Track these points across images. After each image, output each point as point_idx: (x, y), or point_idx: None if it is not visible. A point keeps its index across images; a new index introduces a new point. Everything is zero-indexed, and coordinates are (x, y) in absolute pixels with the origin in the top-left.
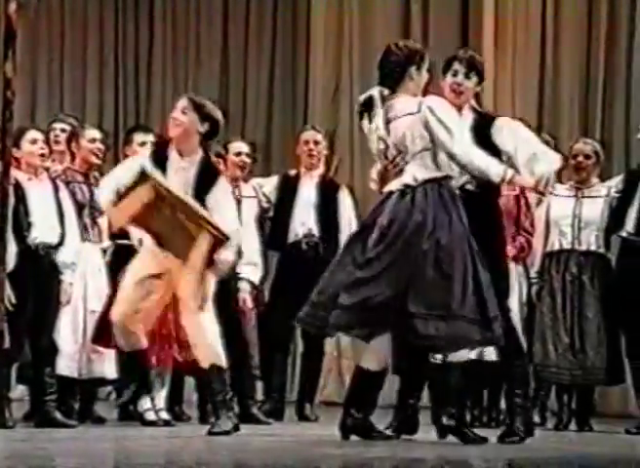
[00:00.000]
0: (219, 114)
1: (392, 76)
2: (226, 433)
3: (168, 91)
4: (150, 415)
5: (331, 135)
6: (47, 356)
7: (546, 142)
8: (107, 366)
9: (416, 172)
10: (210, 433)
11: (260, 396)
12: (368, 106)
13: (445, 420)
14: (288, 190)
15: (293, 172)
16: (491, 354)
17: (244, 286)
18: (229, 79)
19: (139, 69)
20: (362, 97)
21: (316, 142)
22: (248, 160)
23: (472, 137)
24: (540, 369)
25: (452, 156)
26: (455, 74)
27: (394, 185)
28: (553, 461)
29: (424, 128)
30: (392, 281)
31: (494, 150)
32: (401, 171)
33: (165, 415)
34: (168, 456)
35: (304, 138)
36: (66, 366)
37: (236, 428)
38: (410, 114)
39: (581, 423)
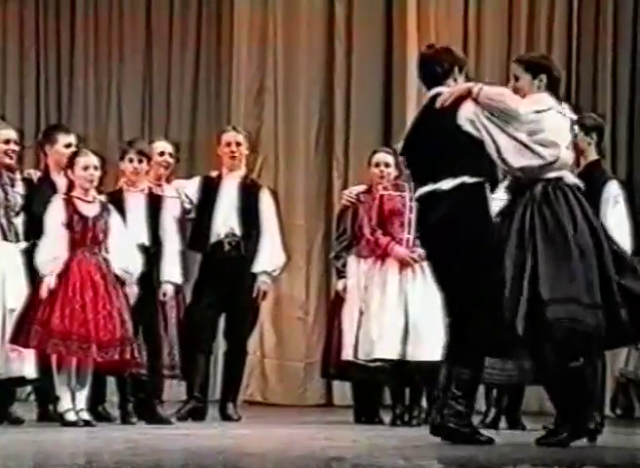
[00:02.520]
0: None
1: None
2: None
3: (90, 90)
4: (71, 416)
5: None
6: None
7: None
8: (27, 365)
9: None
10: None
11: (182, 396)
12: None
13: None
14: (210, 191)
15: (214, 173)
16: (416, 354)
17: (166, 287)
18: (153, 78)
19: (60, 68)
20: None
21: (238, 144)
22: (171, 160)
23: None
24: None
25: None
26: None
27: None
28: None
29: None
30: None
31: None
32: None
33: (86, 416)
34: (88, 457)
35: (226, 140)
36: None
37: None
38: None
39: (513, 422)
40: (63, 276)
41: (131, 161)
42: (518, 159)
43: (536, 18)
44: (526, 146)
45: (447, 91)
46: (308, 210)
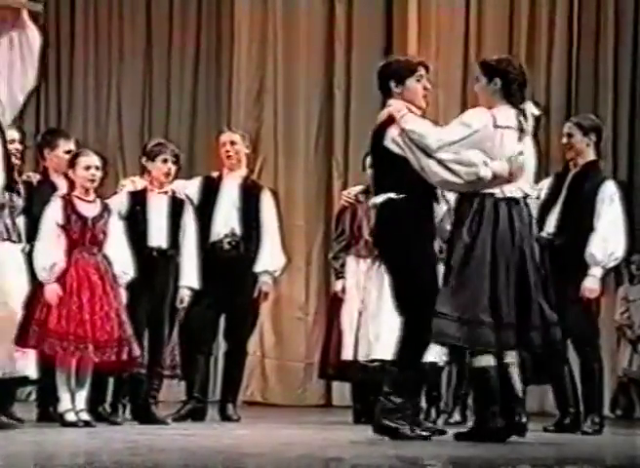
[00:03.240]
0: None
1: (521, 91)
2: None
3: (90, 90)
4: (70, 416)
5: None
6: None
7: None
8: (30, 365)
9: (522, 184)
10: None
11: (182, 396)
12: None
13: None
14: (210, 192)
15: (215, 173)
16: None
17: (184, 293)
18: (153, 79)
19: (60, 68)
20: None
21: (232, 143)
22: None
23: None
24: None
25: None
26: (420, 79)
27: (514, 192)
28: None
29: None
30: None
31: None
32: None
33: (85, 416)
34: (87, 457)
35: (222, 140)
36: None
37: None
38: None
39: None
40: (61, 276)
41: (165, 162)
42: (439, 177)
43: (537, 18)
44: (445, 166)
45: (382, 112)
46: (308, 210)
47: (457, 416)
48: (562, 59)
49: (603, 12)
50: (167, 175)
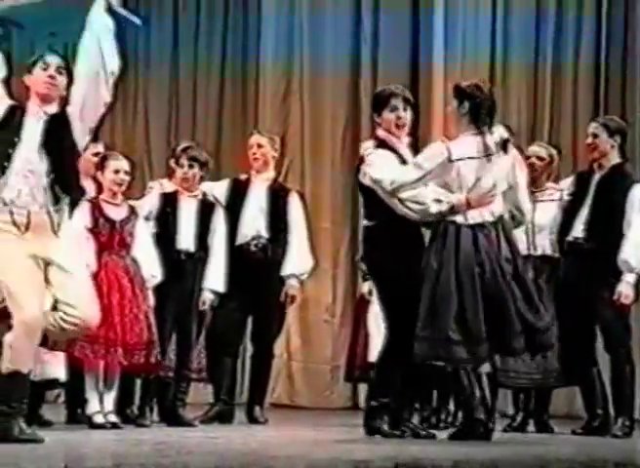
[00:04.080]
0: None
1: (490, 116)
2: None
3: (117, 93)
4: (98, 418)
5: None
6: None
7: None
8: (60, 368)
9: (495, 207)
10: None
11: (209, 399)
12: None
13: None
14: (238, 194)
15: (243, 176)
16: None
17: (207, 295)
18: (179, 83)
19: None
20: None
21: (259, 146)
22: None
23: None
24: (500, 373)
25: (519, 204)
26: (394, 109)
27: (482, 217)
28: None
29: (512, 170)
30: None
31: None
32: (489, 203)
33: (113, 418)
34: (115, 459)
35: (249, 143)
36: None
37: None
38: (504, 154)
39: (541, 425)
40: (91, 279)
41: (182, 166)
42: (401, 212)
43: (564, 20)
44: (402, 204)
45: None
46: (335, 213)
47: None
48: (590, 62)
49: (631, 13)
50: (184, 179)
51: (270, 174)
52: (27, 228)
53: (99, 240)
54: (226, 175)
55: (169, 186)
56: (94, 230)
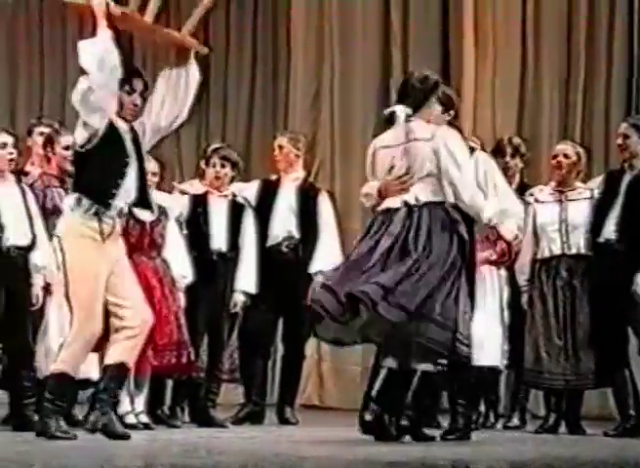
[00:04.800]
0: None
1: (415, 100)
2: None
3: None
4: (130, 419)
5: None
6: (21, 359)
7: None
8: (93, 368)
9: (419, 193)
10: None
11: (240, 399)
12: (389, 122)
13: (403, 421)
14: (268, 195)
15: (274, 176)
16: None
17: (238, 297)
18: (209, 83)
19: None
20: (386, 112)
21: (280, 147)
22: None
23: None
24: (533, 375)
25: (456, 190)
26: None
27: (394, 203)
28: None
29: (434, 155)
30: None
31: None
32: (403, 190)
33: (144, 419)
34: (146, 459)
35: (274, 145)
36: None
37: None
38: (424, 140)
39: (573, 426)
40: None
41: (214, 166)
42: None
43: (596, 18)
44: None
45: None
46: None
47: (515, 420)
48: (622, 59)
49: None
50: (216, 178)
51: (299, 173)
52: (110, 236)
53: (129, 241)
54: (256, 176)
55: (199, 188)
56: (124, 231)
